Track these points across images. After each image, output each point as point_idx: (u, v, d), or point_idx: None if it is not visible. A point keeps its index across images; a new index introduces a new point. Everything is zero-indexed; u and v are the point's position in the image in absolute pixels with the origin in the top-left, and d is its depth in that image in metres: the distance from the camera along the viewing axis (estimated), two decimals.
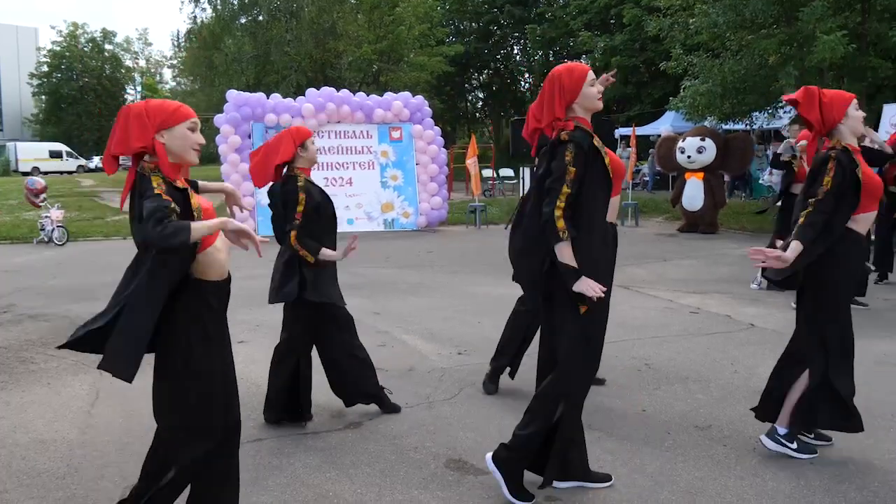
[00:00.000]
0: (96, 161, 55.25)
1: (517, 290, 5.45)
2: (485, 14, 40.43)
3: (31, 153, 47.17)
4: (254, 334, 6.63)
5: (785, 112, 17.35)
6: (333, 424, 4.42)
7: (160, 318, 2.82)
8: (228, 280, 3.10)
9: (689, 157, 14.25)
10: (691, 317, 7.33)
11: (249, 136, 14.39)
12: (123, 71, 72.83)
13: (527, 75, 44.03)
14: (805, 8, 13.46)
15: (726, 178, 20.60)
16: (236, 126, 14.27)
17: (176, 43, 37.38)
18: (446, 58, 33.25)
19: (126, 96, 74.44)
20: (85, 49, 67.59)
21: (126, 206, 2.86)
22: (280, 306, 4.53)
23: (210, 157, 28.48)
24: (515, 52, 43.48)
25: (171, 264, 2.76)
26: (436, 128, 15.92)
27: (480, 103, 48.14)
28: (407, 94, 16.13)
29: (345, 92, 15.52)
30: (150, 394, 4.90)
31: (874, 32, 14.34)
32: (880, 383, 5.14)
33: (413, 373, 5.43)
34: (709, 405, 4.73)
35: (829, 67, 14.27)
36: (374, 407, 4.67)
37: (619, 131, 26.93)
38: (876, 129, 15.06)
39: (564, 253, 3.17)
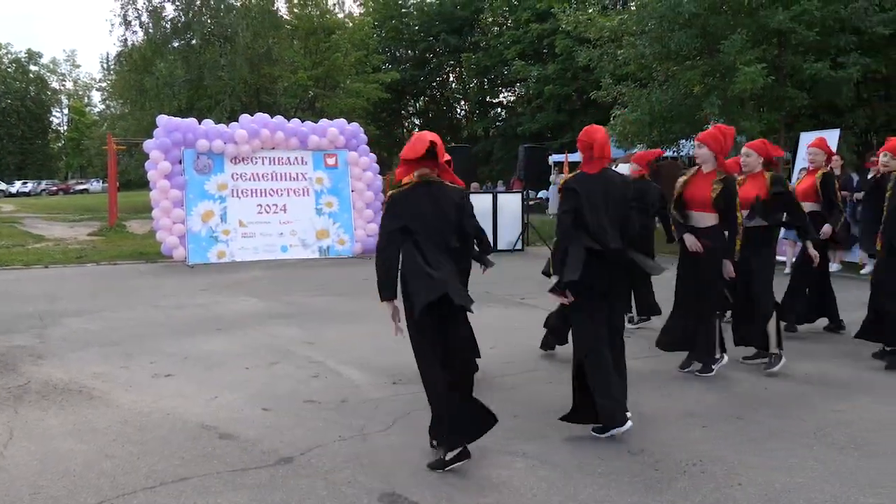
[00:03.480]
0: (18, 185, 53.44)
1: None
2: (420, 42, 40.81)
3: None
4: (182, 367, 6.43)
5: None
6: (264, 460, 4.30)
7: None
8: None
9: None
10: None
11: (180, 162, 14.11)
12: (49, 93, 70.99)
13: (462, 102, 44.46)
14: (725, 41, 14.00)
15: None
16: (166, 151, 13.98)
17: (105, 65, 36.53)
18: (382, 84, 33.39)
19: (51, 118, 72.53)
20: (8, 70, 65.70)
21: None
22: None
23: (140, 182, 27.86)
24: (451, 79, 43.92)
25: None
26: (371, 154, 15.89)
27: (417, 129, 48.39)
28: (342, 120, 16.09)
29: (279, 118, 15.39)
30: (69, 433, 4.74)
31: (790, 65, 15.00)
32: None
33: (346, 404, 5.34)
34: (641, 429, 4.77)
35: (749, 97, 14.83)
36: (306, 440, 4.57)
37: (553, 158, 27.36)
38: (794, 156, 15.67)
39: None
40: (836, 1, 14.37)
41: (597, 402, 4.50)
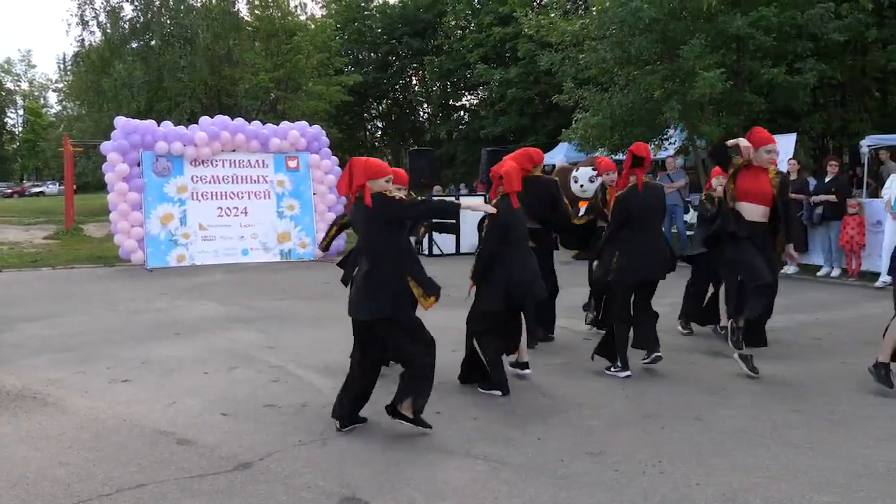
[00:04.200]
0: None
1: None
2: (383, 45, 40.68)
3: None
4: (139, 372, 6.33)
5: (670, 143, 18.12)
6: (222, 465, 4.25)
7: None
8: None
9: (581, 186, 14.49)
10: (585, 343, 7.48)
11: (139, 165, 13.89)
12: (3, 94, 69.51)
13: (425, 105, 44.45)
14: (685, 46, 14.17)
15: None
16: (124, 154, 13.75)
17: (62, 66, 35.75)
18: (345, 87, 33.21)
19: (6, 119, 71.02)
20: None
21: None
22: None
23: (98, 184, 27.38)
24: (414, 82, 43.87)
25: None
26: (333, 157, 15.81)
27: (379, 133, 48.23)
28: (304, 123, 15.97)
29: (239, 120, 15.23)
30: (22, 440, 4.62)
31: (748, 70, 15.23)
32: None
33: (307, 409, 5.29)
34: (601, 431, 4.82)
35: (708, 102, 15.03)
36: (265, 445, 4.53)
37: None
38: None
39: None
40: (793, 7, 14.62)
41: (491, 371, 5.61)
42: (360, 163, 4.66)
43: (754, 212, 6.03)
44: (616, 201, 6.10)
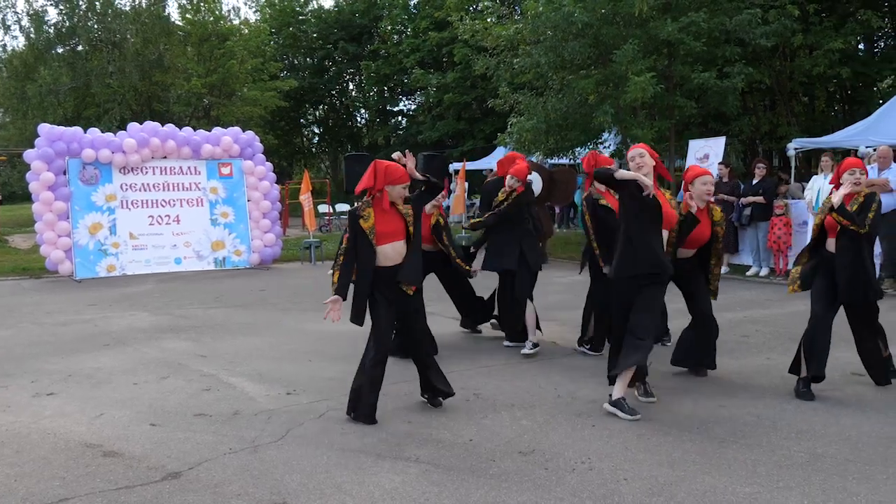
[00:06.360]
0: None
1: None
2: (319, 49, 40.33)
3: None
4: (65, 385, 6.14)
5: (605, 147, 18.43)
6: (150, 476, 4.16)
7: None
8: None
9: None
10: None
11: (65, 173, 13.50)
12: None
13: (363, 110, 44.25)
14: (617, 51, 14.43)
15: (557, 209, 21.55)
16: (49, 162, 13.33)
17: None
18: (280, 92, 32.83)
19: None
20: None
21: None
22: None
23: (26, 195, 26.54)
24: (351, 87, 43.63)
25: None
26: (268, 163, 15.60)
27: (316, 138, 47.77)
28: (236, 129, 15.72)
29: (170, 126, 14.92)
30: None
31: (679, 75, 15.57)
32: None
33: (238, 416, 5.22)
34: (533, 430, 4.87)
35: (641, 106, 15.32)
36: (195, 454, 4.45)
37: (453, 166, 27.58)
38: (685, 163, 16.31)
39: None
40: (722, 13, 15.02)
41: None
42: (381, 166, 5.06)
43: (685, 253, 6.08)
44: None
